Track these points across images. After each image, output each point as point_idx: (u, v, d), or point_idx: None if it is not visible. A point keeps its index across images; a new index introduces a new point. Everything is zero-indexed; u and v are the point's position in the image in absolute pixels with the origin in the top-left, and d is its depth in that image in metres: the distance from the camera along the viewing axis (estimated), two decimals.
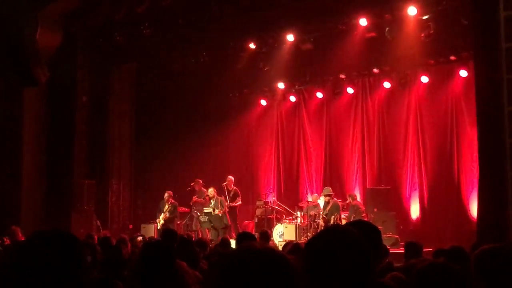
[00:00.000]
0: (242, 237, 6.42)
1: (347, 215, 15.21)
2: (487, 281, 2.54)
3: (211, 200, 15.68)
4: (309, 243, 2.34)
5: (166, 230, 9.35)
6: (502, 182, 10.37)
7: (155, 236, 14.35)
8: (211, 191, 15.79)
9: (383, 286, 2.80)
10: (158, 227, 15.76)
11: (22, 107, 15.31)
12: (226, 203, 15.88)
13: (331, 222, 14.50)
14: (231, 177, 16.81)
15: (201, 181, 17.02)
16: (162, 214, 15.93)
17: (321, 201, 15.62)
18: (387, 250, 7.43)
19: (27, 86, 15.27)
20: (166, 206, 15.95)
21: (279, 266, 1.77)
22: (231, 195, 16.36)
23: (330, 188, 15.69)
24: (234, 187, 16.69)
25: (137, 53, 17.53)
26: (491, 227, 10.53)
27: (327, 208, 15.01)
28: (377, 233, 3.19)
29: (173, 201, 16.10)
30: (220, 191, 16.13)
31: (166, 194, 16.10)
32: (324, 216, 14.87)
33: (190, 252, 5.12)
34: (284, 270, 1.77)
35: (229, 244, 8.51)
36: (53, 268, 2.15)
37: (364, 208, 15.44)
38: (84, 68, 16.83)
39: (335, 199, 15.40)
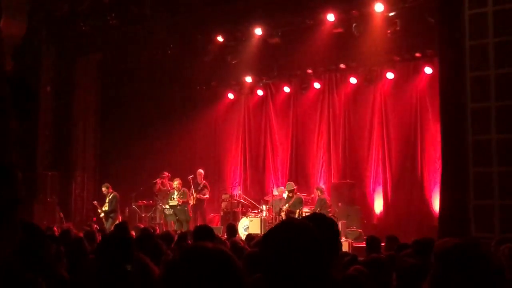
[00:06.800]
0: (199, 232, 6.36)
1: (312, 208, 15.29)
2: (454, 278, 2.55)
3: (175, 191, 15.64)
4: (265, 237, 2.35)
5: (117, 224, 9.32)
6: (464, 178, 10.54)
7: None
8: (176, 182, 15.75)
9: (341, 280, 2.81)
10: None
11: None
12: (192, 196, 15.89)
13: (296, 216, 14.57)
14: (201, 171, 16.81)
15: (166, 174, 16.98)
16: (103, 207, 15.78)
17: (286, 195, 15.69)
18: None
19: None
20: (107, 199, 15.80)
21: (222, 266, 1.82)
22: (199, 188, 16.35)
23: (292, 183, 15.79)
24: (204, 181, 16.67)
25: (102, 43, 17.32)
26: (452, 222, 10.71)
27: (290, 202, 15.09)
28: (334, 226, 3.18)
29: (111, 191, 15.87)
30: (186, 185, 16.09)
31: (104, 188, 15.91)
32: (289, 208, 14.94)
33: (153, 245, 5.09)
34: (227, 269, 1.82)
35: (187, 238, 8.46)
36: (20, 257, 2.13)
37: (330, 202, 15.56)
38: (48, 58, 16.60)
39: (297, 193, 15.48)
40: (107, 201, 15.72)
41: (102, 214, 15.68)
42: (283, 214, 15.00)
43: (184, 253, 1.88)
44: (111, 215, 15.52)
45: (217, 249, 1.87)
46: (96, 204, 16.02)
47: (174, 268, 1.84)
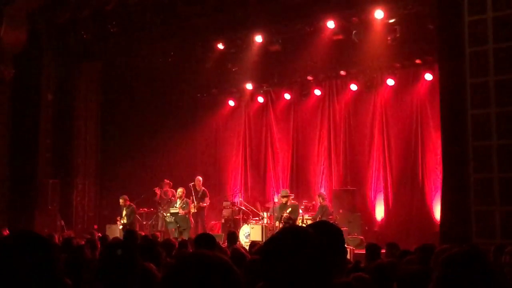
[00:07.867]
0: (200, 240, 6.37)
1: (313, 215, 15.27)
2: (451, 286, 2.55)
3: (178, 200, 15.63)
4: (266, 244, 2.35)
5: (127, 231, 9.36)
6: (464, 184, 10.54)
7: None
8: (180, 191, 15.71)
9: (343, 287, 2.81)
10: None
11: None
12: (193, 204, 15.85)
13: (299, 223, 14.54)
14: (199, 178, 16.77)
15: (167, 181, 16.99)
16: (122, 220, 15.78)
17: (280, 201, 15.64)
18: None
19: None
20: (124, 212, 15.79)
21: (221, 274, 1.83)
22: (199, 195, 16.31)
23: (287, 190, 15.80)
24: (203, 188, 16.64)
25: (104, 51, 17.34)
26: (453, 228, 10.70)
27: (287, 209, 15.00)
28: (340, 234, 3.17)
29: (129, 203, 15.87)
30: (187, 192, 16.07)
31: (121, 200, 15.88)
32: (288, 215, 14.81)
33: (153, 252, 5.08)
34: (226, 277, 1.83)
35: (187, 246, 8.46)
36: (27, 269, 2.13)
37: (332, 209, 15.54)
38: (49, 66, 16.62)
39: (292, 200, 15.43)
40: (124, 214, 15.72)
41: (121, 227, 15.64)
42: (283, 221, 14.94)
43: (182, 261, 1.89)
44: (131, 228, 15.49)
45: (216, 257, 1.87)
46: (118, 220, 15.97)
47: (173, 276, 1.85)
